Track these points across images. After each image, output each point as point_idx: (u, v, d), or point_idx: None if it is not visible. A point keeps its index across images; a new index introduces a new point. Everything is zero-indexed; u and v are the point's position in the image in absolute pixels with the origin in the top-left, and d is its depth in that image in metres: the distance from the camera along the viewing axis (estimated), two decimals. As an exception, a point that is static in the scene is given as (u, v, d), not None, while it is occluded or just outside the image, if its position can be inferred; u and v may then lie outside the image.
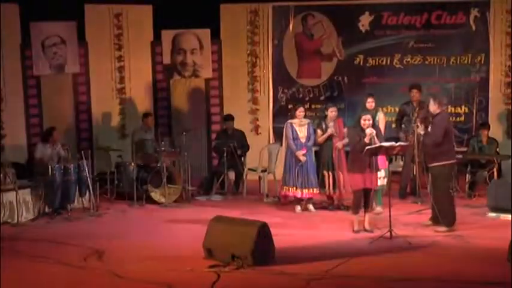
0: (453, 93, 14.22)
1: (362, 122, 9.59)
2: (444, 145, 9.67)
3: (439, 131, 9.57)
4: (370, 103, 11.11)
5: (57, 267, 8.19)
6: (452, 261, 8.25)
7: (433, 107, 9.72)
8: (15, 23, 13.62)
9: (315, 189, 11.19)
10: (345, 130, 11.00)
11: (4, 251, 8.90)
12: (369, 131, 9.48)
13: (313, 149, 11.46)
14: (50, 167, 11.02)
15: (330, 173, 11.08)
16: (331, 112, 11.13)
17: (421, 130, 9.84)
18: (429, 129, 9.62)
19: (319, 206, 11.39)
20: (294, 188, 11.16)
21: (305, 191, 11.13)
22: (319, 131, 11.17)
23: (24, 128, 13.90)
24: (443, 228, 9.60)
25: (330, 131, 11.01)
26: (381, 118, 11.21)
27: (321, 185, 11.19)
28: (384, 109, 13.72)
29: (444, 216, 9.64)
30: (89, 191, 11.32)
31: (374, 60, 14.43)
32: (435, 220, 9.77)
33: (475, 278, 7.50)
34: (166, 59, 14.56)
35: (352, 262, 8.14)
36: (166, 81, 14.75)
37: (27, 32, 13.69)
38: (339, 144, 11.05)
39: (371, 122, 9.61)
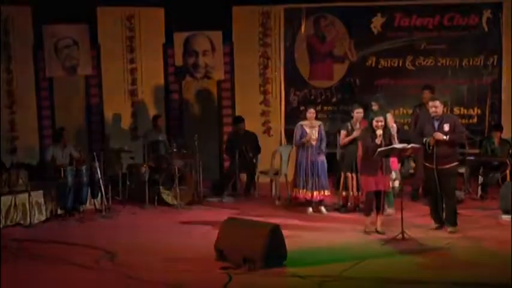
0: (465, 95, 14.17)
1: (374, 123, 9.58)
2: (456, 145, 9.80)
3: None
4: (374, 106, 11.09)
5: (70, 268, 8.23)
6: (465, 263, 8.23)
7: (442, 108, 9.72)
8: (28, 25, 13.67)
9: (325, 192, 11.18)
10: None
11: (16, 253, 8.95)
12: (379, 132, 9.48)
13: (326, 151, 11.43)
14: (62, 168, 11.06)
15: (354, 174, 10.97)
16: (357, 113, 11.02)
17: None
18: (446, 128, 9.55)
19: (331, 208, 11.38)
20: (305, 190, 11.15)
21: (315, 193, 11.12)
22: (344, 132, 11.11)
23: (37, 129, 13.94)
24: (454, 229, 9.64)
25: (355, 133, 10.90)
26: (389, 119, 11.15)
27: (343, 186, 11.13)
28: (396, 111, 13.72)
29: (455, 215, 9.75)
30: (101, 193, 11.34)
31: (386, 62, 14.39)
32: (441, 222, 9.79)
33: (487, 280, 7.47)
34: (178, 61, 14.57)
35: (364, 264, 8.13)
36: (178, 83, 14.75)
37: (40, 34, 13.74)
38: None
39: (383, 123, 9.60)
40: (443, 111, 9.83)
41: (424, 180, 10.49)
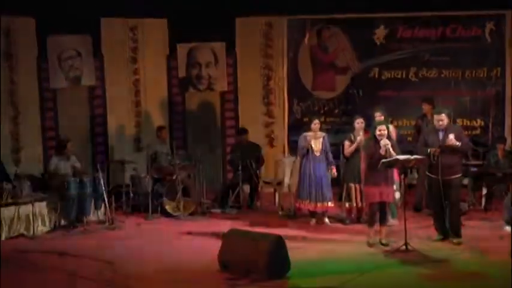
0: (469, 107, 14.18)
1: (377, 132, 9.55)
2: (462, 155, 9.75)
3: None
4: (378, 117, 11.08)
5: (73, 280, 8.21)
6: (469, 275, 8.21)
7: (447, 121, 9.71)
8: (31, 37, 13.71)
9: (329, 203, 11.15)
10: None
11: (20, 264, 8.94)
12: (384, 142, 9.46)
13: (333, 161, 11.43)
14: (65, 180, 11.07)
15: (357, 185, 10.90)
16: (358, 124, 11.00)
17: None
18: (451, 137, 9.51)
19: (334, 220, 11.37)
20: (308, 201, 11.14)
21: (319, 204, 11.10)
22: (347, 142, 11.08)
23: (40, 140, 13.96)
24: (459, 240, 9.62)
25: (358, 139, 10.82)
26: (391, 130, 11.12)
27: (346, 197, 11.12)
28: (399, 122, 13.74)
29: (459, 227, 9.73)
30: (105, 204, 11.34)
31: (389, 74, 14.42)
32: (445, 233, 9.77)
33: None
34: (182, 73, 14.60)
35: (368, 276, 8.12)
36: (182, 95, 14.78)
37: (44, 46, 13.77)
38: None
39: (386, 132, 9.58)
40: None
41: (428, 191, 10.45)
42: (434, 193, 9.80)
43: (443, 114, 9.70)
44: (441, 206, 9.70)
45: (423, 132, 10.33)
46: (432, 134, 9.79)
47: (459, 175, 9.70)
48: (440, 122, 9.66)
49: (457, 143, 9.50)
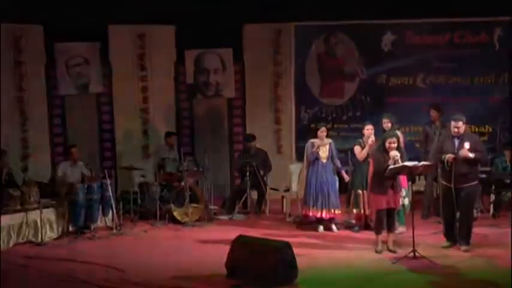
0: (476, 113, 14.11)
1: (387, 144, 9.44)
2: (477, 164, 9.68)
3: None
4: (386, 123, 11.04)
5: (81, 286, 8.22)
6: (477, 282, 8.19)
7: (463, 128, 9.64)
8: (40, 44, 13.77)
9: (336, 210, 11.13)
10: None
11: (28, 270, 8.95)
12: (393, 153, 9.37)
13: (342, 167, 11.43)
14: (73, 186, 11.09)
15: (365, 191, 10.85)
16: (367, 130, 10.94)
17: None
18: (466, 146, 9.42)
19: (342, 226, 11.35)
20: (314, 208, 11.12)
21: (325, 211, 11.07)
22: (357, 147, 11.02)
23: (48, 147, 14.00)
24: (467, 247, 9.58)
25: (370, 141, 10.74)
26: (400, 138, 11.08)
27: (354, 204, 11.10)
28: (407, 129, 13.70)
29: (469, 234, 9.67)
30: (112, 211, 11.36)
31: (397, 80, 14.41)
32: (453, 240, 9.74)
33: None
34: (189, 79, 14.61)
35: (375, 283, 8.11)
36: (189, 101, 14.80)
37: (52, 53, 13.83)
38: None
39: (396, 145, 9.46)
40: None
41: (441, 198, 10.36)
42: (446, 201, 9.72)
43: (460, 122, 9.56)
44: (452, 214, 9.66)
45: (438, 139, 10.24)
46: (447, 141, 9.68)
47: (473, 183, 9.61)
48: (456, 130, 9.55)
49: (470, 155, 9.40)
